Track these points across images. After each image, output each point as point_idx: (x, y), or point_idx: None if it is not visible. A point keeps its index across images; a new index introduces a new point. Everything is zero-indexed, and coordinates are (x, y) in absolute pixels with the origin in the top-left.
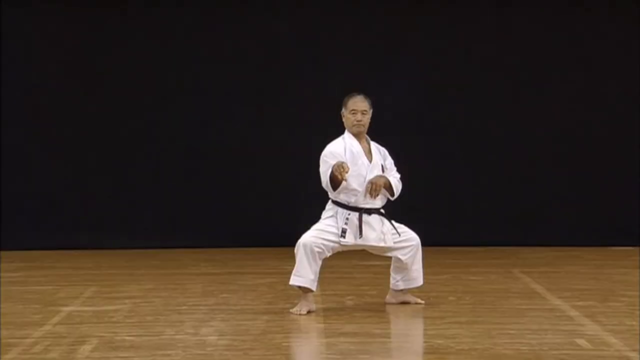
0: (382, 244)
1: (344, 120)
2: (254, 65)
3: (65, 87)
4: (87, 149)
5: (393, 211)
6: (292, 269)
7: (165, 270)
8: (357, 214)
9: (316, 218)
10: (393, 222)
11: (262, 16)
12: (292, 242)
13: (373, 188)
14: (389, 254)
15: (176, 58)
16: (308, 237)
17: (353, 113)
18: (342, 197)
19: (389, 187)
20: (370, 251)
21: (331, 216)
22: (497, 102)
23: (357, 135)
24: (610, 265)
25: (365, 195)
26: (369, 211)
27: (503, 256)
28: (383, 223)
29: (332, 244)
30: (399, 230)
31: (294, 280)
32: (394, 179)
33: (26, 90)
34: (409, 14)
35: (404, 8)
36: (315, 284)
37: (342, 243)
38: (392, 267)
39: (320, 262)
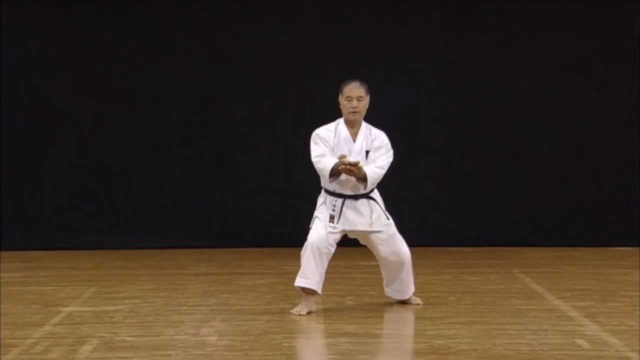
0: (370, 228)
1: (341, 107)
2: (254, 66)
3: (65, 88)
4: (87, 149)
5: (393, 211)
6: (292, 269)
7: (165, 270)
8: (341, 200)
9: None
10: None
11: (262, 16)
12: (292, 242)
13: (347, 168)
14: (382, 254)
15: (176, 59)
16: (315, 236)
17: (348, 100)
18: (328, 185)
19: (363, 179)
20: (363, 242)
21: (322, 203)
22: (498, 102)
23: (352, 122)
24: (610, 265)
25: (346, 177)
26: (356, 197)
27: (503, 256)
28: (372, 209)
29: (332, 235)
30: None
31: (300, 282)
32: (375, 168)
33: (26, 90)
34: (415, 14)
35: (408, 8)
36: (321, 286)
37: (329, 229)
38: (383, 280)
39: (326, 264)
